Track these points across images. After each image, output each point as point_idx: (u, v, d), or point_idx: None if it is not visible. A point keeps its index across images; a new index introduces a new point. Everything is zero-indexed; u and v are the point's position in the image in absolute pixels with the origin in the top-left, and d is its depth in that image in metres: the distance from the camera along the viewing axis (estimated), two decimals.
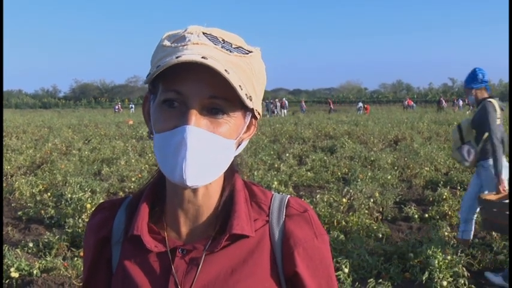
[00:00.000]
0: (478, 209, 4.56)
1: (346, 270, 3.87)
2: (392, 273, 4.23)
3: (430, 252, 4.17)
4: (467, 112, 31.24)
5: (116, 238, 0.91)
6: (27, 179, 8.11)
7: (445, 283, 3.82)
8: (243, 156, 10.15)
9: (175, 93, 0.78)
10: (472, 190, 4.74)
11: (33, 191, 7.62)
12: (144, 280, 0.85)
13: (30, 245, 5.08)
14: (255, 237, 0.87)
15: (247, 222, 0.87)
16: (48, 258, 4.39)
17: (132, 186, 7.93)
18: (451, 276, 3.90)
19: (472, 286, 3.86)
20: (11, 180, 8.35)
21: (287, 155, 11.33)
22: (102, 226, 0.94)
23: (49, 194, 7.40)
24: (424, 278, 3.94)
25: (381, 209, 6.41)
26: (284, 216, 0.90)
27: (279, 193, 0.96)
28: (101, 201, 6.43)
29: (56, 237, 5.07)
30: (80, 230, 5.29)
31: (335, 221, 5.66)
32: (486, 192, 4.46)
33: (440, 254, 4.01)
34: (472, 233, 4.78)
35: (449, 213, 6.05)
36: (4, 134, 17.21)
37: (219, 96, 0.78)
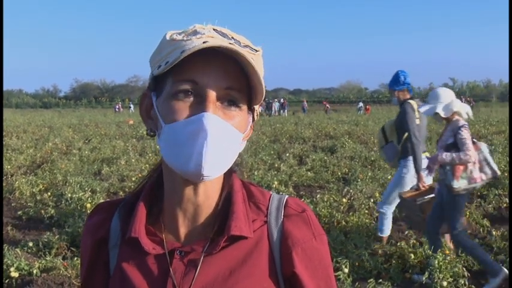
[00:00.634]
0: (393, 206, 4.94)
1: (346, 270, 3.87)
2: (392, 273, 4.23)
3: (430, 252, 4.17)
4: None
5: (114, 240, 0.91)
6: (28, 179, 8.11)
7: (445, 283, 3.81)
8: (243, 156, 10.10)
9: (192, 84, 0.78)
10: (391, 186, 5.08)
11: (33, 190, 7.62)
12: (142, 282, 0.85)
13: (30, 244, 5.08)
14: (253, 237, 0.87)
15: (245, 223, 0.86)
16: (48, 258, 4.38)
17: (132, 186, 7.92)
18: (451, 277, 3.89)
19: (472, 286, 3.85)
20: (11, 180, 8.35)
21: (287, 154, 11.32)
22: (99, 227, 0.93)
23: (49, 193, 7.40)
24: (424, 278, 3.94)
25: None
26: (282, 217, 0.89)
27: (278, 193, 0.95)
28: (101, 200, 6.44)
29: (56, 237, 5.07)
30: (79, 230, 5.28)
31: (335, 221, 5.65)
32: (404, 189, 4.76)
33: (441, 254, 4.01)
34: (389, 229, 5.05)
35: None
36: (4, 133, 17.20)
37: (234, 88, 0.79)
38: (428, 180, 4.60)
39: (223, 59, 0.76)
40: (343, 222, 5.63)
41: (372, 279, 3.81)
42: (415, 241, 4.82)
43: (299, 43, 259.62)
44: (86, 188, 7.16)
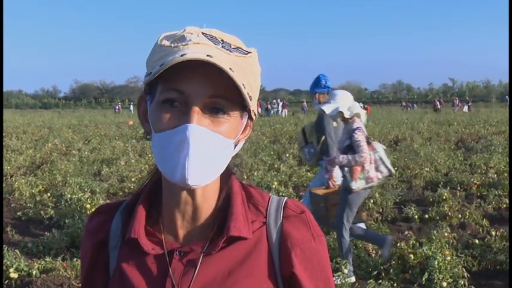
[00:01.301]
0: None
1: (346, 271, 3.87)
2: (392, 274, 4.23)
3: (430, 253, 4.17)
4: (465, 110, 31.17)
5: (113, 241, 0.91)
6: (27, 179, 8.11)
7: (444, 284, 3.82)
8: (243, 156, 10.14)
9: (177, 93, 0.78)
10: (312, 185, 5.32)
11: (33, 191, 7.62)
12: (142, 282, 0.85)
13: (30, 245, 5.08)
14: (253, 238, 0.87)
15: (244, 224, 0.86)
16: (48, 259, 4.38)
17: (132, 187, 7.93)
18: (450, 277, 3.89)
19: (472, 287, 3.86)
20: (11, 181, 8.35)
21: (287, 155, 11.33)
22: (99, 229, 0.93)
23: (49, 194, 7.40)
24: (423, 278, 3.94)
25: (380, 210, 6.41)
26: (281, 218, 0.89)
27: (278, 194, 0.95)
28: (101, 201, 6.47)
29: (56, 238, 5.07)
30: (79, 231, 5.28)
31: None
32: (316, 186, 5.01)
33: (440, 254, 4.01)
34: None
35: (449, 213, 6.05)
36: (4, 134, 17.20)
37: (220, 96, 0.78)
38: (339, 179, 4.75)
39: (207, 66, 0.75)
40: None
41: (371, 280, 3.81)
42: (414, 242, 4.82)
43: (299, 43, 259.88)
44: (86, 189, 7.16)
